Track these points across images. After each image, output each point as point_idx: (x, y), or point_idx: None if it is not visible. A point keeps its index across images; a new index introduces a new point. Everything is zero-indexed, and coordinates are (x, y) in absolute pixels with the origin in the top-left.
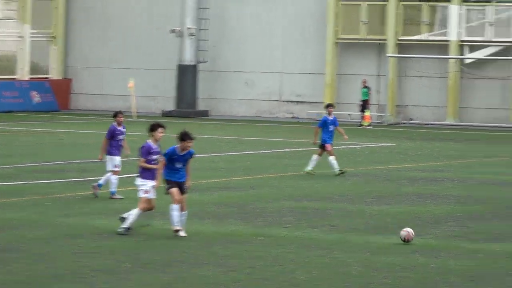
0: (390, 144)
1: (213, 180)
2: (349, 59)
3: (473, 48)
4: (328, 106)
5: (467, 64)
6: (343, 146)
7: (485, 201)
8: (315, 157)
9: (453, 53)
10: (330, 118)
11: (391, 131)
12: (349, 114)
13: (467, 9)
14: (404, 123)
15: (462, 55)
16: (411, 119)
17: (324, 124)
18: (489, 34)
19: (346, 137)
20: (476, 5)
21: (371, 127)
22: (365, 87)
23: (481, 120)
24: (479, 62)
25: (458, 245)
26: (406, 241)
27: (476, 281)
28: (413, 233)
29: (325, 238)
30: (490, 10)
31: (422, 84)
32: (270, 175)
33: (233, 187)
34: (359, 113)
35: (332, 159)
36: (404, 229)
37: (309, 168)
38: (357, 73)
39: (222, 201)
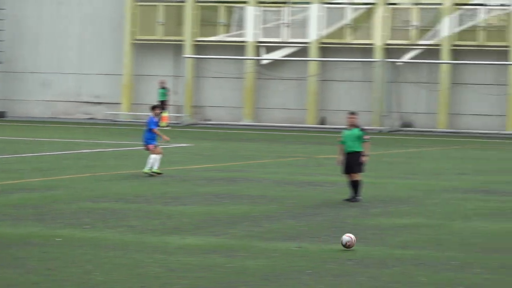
0: (187, 144)
1: (10, 182)
2: (146, 60)
3: (269, 49)
4: (154, 107)
5: (263, 65)
6: (139, 147)
7: (280, 201)
8: (157, 157)
9: (249, 54)
10: (156, 119)
11: (189, 131)
12: (146, 115)
13: (263, 11)
14: (201, 124)
15: (258, 56)
16: (208, 120)
17: (153, 125)
18: (285, 35)
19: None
20: (272, 6)
21: (168, 127)
22: (163, 88)
23: (277, 120)
24: (275, 63)
25: (255, 245)
26: (347, 247)
27: (271, 280)
28: (355, 240)
29: (123, 239)
30: (286, 12)
31: (219, 85)
32: (68, 176)
33: (30, 189)
34: None
35: (152, 157)
36: (347, 235)
37: (154, 167)
38: (154, 74)
39: (19, 203)
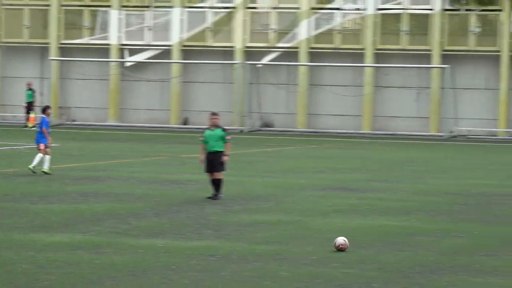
0: (54, 144)
1: None
2: (13, 62)
3: (133, 52)
4: (46, 108)
5: (127, 67)
6: (6, 147)
7: (145, 199)
8: (47, 157)
9: (113, 56)
10: (48, 119)
11: (55, 132)
12: (13, 116)
13: (127, 14)
14: (67, 124)
15: (122, 58)
16: (74, 120)
17: (45, 125)
18: (148, 38)
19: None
20: (135, 10)
21: (35, 128)
22: (30, 89)
23: (141, 121)
24: (139, 65)
25: (121, 241)
26: (339, 249)
27: (137, 275)
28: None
29: None
30: (148, 15)
31: (85, 86)
32: None
33: None
34: (24, 115)
35: (39, 156)
36: (343, 238)
37: (45, 167)
38: (21, 76)
39: None
